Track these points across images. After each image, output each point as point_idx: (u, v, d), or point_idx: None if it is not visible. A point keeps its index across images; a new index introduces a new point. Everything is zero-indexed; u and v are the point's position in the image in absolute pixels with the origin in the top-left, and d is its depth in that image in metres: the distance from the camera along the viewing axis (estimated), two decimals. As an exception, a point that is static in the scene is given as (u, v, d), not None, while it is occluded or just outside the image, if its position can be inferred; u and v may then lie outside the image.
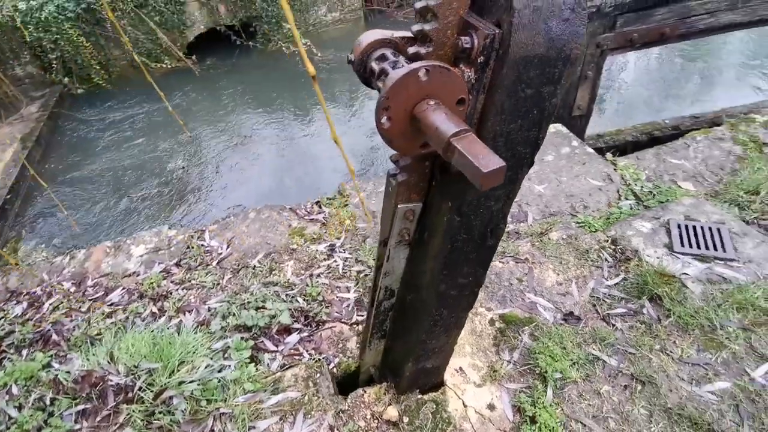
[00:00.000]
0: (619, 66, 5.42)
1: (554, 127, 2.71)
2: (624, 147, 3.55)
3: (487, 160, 0.62)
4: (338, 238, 2.21)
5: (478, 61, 0.74)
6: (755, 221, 1.88)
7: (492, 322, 1.68)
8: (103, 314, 1.90)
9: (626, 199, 2.18)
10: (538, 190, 2.30)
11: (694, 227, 1.81)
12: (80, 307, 1.97)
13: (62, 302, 2.00)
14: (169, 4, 5.64)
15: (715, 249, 1.70)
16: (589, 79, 3.00)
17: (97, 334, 1.80)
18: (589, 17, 2.67)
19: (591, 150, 2.51)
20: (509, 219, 2.12)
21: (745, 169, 2.23)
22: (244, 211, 2.46)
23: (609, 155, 2.54)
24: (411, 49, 0.83)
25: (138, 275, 2.12)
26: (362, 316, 1.82)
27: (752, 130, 2.49)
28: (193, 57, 6.13)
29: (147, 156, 4.89)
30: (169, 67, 5.93)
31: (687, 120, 3.56)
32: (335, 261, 2.08)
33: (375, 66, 0.86)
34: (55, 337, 1.84)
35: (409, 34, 0.89)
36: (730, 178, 2.19)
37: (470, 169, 0.63)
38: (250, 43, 6.30)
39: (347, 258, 2.09)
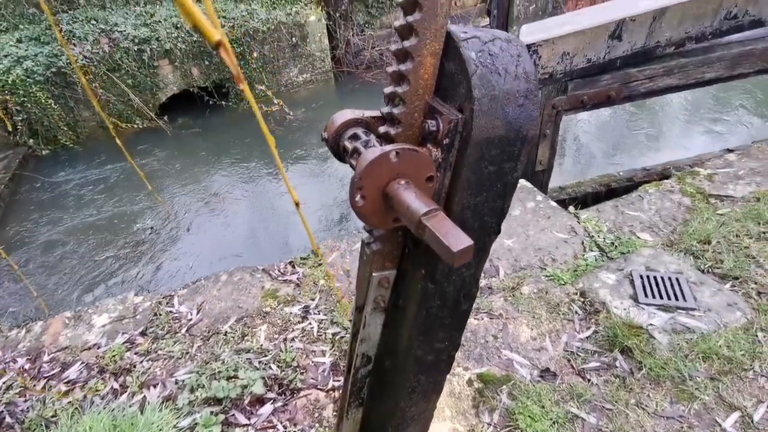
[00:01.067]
0: (578, 122, 5.80)
1: (519, 182, 2.84)
2: (585, 198, 3.74)
3: (456, 240, 0.65)
4: (312, 299, 2.19)
5: (444, 142, 0.80)
6: (710, 270, 1.99)
7: (470, 382, 1.67)
8: (59, 393, 1.77)
9: (591, 250, 2.27)
10: (507, 244, 2.37)
11: (655, 278, 1.90)
12: (35, 386, 1.83)
13: (16, 380, 1.85)
14: (143, 68, 5.76)
15: (677, 299, 1.78)
16: (548, 137, 3.21)
17: (53, 416, 1.67)
18: (544, 82, 2.90)
19: (554, 204, 2.64)
20: (482, 274, 2.16)
21: (695, 219, 2.39)
22: (215, 274, 2.41)
23: (571, 208, 2.67)
24: (381, 129, 0.89)
25: (99, 347, 2.01)
26: (338, 381, 1.77)
27: (698, 183, 2.69)
28: (165, 117, 6.20)
29: (114, 217, 4.77)
30: (141, 127, 5.95)
31: (639, 172, 3.81)
32: (310, 323, 2.04)
33: (348, 144, 0.91)
34: (8, 419, 1.69)
35: (377, 112, 0.96)
36: (682, 228, 2.34)
37: (441, 247, 0.66)
38: (222, 102, 6.44)
39: (322, 320, 2.06)
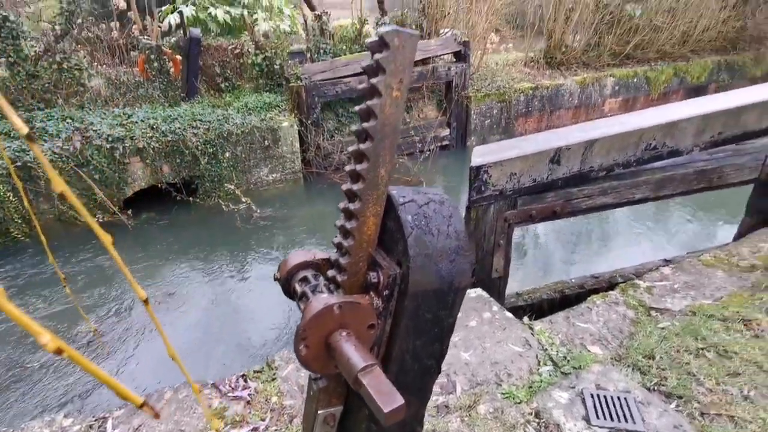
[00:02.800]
0: (536, 228, 6.17)
1: (476, 292, 2.94)
2: (540, 305, 3.87)
3: (388, 399, 0.69)
4: (263, 419, 2.06)
5: (384, 293, 0.88)
6: (656, 388, 2.05)
7: None
8: None
9: (545, 364, 2.31)
10: (464, 357, 2.38)
11: (605, 397, 1.93)
12: None
13: None
14: (112, 164, 5.85)
15: (626, 420, 1.81)
16: (501, 247, 3.40)
17: None
18: (495, 198, 3.15)
19: (509, 315, 2.72)
20: (439, 390, 2.14)
21: (639, 332, 2.50)
22: (159, 391, 2.25)
23: (526, 319, 2.75)
24: (330, 272, 0.96)
25: (12, 483, 1.77)
26: None
27: (639, 295, 2.86)
28: (129, 211, 6.16)
29: (54, 315, 4.47)
30: (102, 220, 5.86)
31: (589, 279, 4.02)
32: (257, 450, 1.90)
33: (298, 287, 0.97)
34: None
35: (327, 255, 1.04)
36: (628, 341, 2.44)
37: (374, 405, 0.70)
38: (190, 198, 6.51)
39: (270, 445, 1.93)
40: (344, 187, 0.90)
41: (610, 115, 10.25)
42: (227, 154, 6.68)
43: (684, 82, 10.67)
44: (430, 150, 7.91)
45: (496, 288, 3.59)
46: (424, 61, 8.19)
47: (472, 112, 8.71)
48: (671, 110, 3.33)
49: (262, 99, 7.27)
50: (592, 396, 1.94)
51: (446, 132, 8.77)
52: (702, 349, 2.27)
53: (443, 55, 8.40)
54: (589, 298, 2.91)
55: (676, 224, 6.31)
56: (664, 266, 4.00)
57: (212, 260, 5.63)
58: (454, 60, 8.56)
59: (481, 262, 3.42)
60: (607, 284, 3.95)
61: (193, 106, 6.80)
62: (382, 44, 0.76)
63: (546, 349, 2.41)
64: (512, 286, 3.94)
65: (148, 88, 7.24)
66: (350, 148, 0.88)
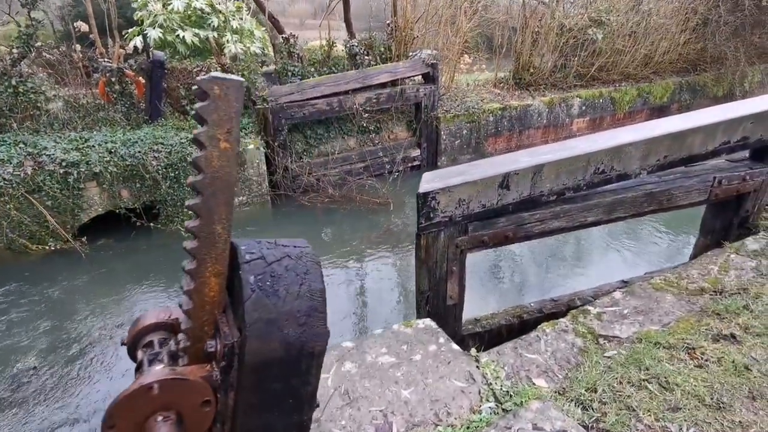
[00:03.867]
0: (496, 251, 6.14)
1: (423, 323, 2.85)
2: (498, 330, 3.80)
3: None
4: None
5: (222, 364, 0.78)
6: (594, 426, 1.98)
7: None
8: None
9: (487, 401, 2.22)
10: (404, 395, 2.28)
11: (541, 438, 1.85)
12: None
13: None
14: (66, 189, 5.65)
15: (559, 464, 1.73)
16: (455, 273, 3.33)
17: None
18: (445, 224, 3.10)
19: (456, 347, 2.63)
20: (372, 434, 2.02)
21: (586, 362, 2.44)
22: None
23: (474, 350, 2.67)
24: (180, 336, 0.86)
25: None
26: None
27: (589, 322, 2.81)
28: (84, 238, 5.94)
29: (-5, 352, 4.22)
30: (53, 249, 5.62)
31: (548, 303, 3.98)
32: None
33: (140, 354, 0.87)
34: None
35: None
36: (573, 373, 2.37)
37: None
38: (151, 224, 6.32)
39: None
40: (184, 244, 0.82)
41: (579, 135, 10.47)
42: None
43: (648, 102, 10.99)
44: (399, 171, 7.91)
45: (451, 315, 3.51)
46: (393, 83, 8.25)
47: (442, 132, 8.77)
48: (618, 135, 3.36)
49: (228, 121, 7.17)
50: (527, 437, 1.85)
51: (417, 152, 8.80)
52: (644, 380, 2.21)
53: (412, 76, 8.48)
54: (539, 326, 2.84)
55: (644, 241, 6.37)
56: (618, 289, 3.99)
57: (174, 288, 5.43)
58: (423, 81, 8.65)
59: (434, 290, 3.35)
60: (566, 307, 3.90)
61: (155, 129, 6.67)
62: (201, 93, 0.69)
63: (490, 384, 2.33)
64: (472, 311, 3.87)
65: (109, 111, 7.09)
66: (187, 202, 0.80)
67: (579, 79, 10.32)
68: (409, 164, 8.71)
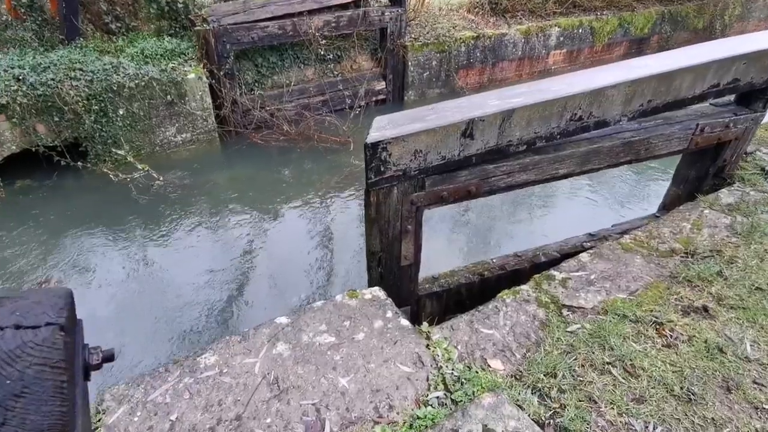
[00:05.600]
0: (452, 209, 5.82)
1: (371, 293, 2.52)
2: (458, 289, 3.56)
3: None
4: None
5: None
6: (551, 421, 1.76)
7: None
8: None
9: (435, 389, 1.96)
10: (342, 384, 1.98)
11: (491, 444, 1.61)
12: None
13: None
14: (-36, 125, 4.81)
15: (510, 479, 1.50)
16: (410, 232, 2.97)
17: None
18: (398, 179, 2.68)
19: (405, 323, 2.33)
20: (300, 438, 1.74)
21: (547, 339, 2.21)
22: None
23: (425, 325, 2.38)
24: None
25: None
26: None
27: (553, 289, 2.56)
28: (-2, 181, 5.20)
29: None
30: (-41, 193, 4.90)
31: (511, 259, 3.74)
32: None
33: None
34: None
35: None
36: (533, 354, 2.13)
37: None
38: (79, 163, 5.59)
39: None
40: None
41: (555, 68, 9.90)
42: (121, 112, 5.72)
43: (628, 34, 10.41)
44: (361, 106, 7.25)
45: (406, 276, 3.21)
46: (355, 4, 7.31)
47: (410, 63, 8.02)
48: (598, 75, 2.92)
49: (163, 45, 6.22)
50: (475, 443, 1.61)
51: (382, 85, 8.08)
52: (608, 363, 1.99)
53: (377, -3, 7.53)
54: (498, 295, 2.57)
55: (609, 185, 6.18)
56: (586, 250, 3.77)
57: (96, 236, 4.90)
58: (389, 3, 7.71)
59: (387, 251, 3.00)
60: (529, 264, 3.69)
61: (72, 52, 5.68)
62: None
63: (440, 368, 2.06)
64: (430, 270, 3.60)
65: (17, 29, 5.97)
66: None
67: (559, 5, 9.53)
68: (373, 98, 8.02)
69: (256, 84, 7.06)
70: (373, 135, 2.52)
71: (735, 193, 3.50)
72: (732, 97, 3.55)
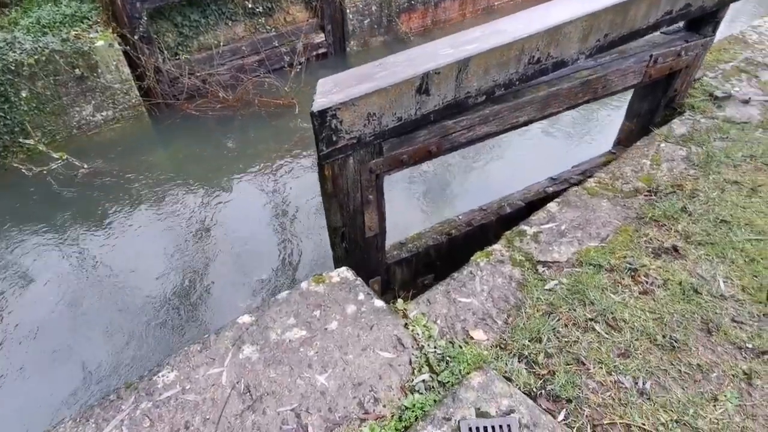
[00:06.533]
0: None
1: (339, 275, 2.34)
2: (427, 252, 3.44)
3: None
4: None
5: None
6: (542, 392, 1.70)
7: None
8: None
9: (420, 372, 1.86)
10: (320, 383, 1.84)
11: (486, 428, 1.53)
12: None
13: None
14: None
15: (511, 464, 1.44)
16: (371, 202, 2.78)
17: None
18: (353, 147, 2.43)
19: (380, 303, 2.19)
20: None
21: (526, 300, 2.14)
22: None
23: (400, 302, 2.25)
24: None
25: None
26: None
27: (525, 246, 2.48)
28: None
29: None
30: None
31: (477, 214, 3.65)
32: None
33: None
34: None
35: None
36: (514, 317, 2.06)
37: None
38: (-17, 160, 4.88)
39: None
40: None
41: (498, 4, 9.56)
42: (24, 94, 4.96)
43: (566, -38, 10.10)
44: (301, 62, 6.72)
45: (372, 247, 3.05)
46: (280, -54, 6.56)
47: (348, 10, 7.44)
48: (552, 11, 2.71)
49: (60, 10, 5.35)
50: (470, 430, 1.53)
51: (321, 37, 7.50)
52: (590, 320, 1.96)
53: (302, -64, 6.78)
54: (472, 258, 2.47)
55: (562, 123, 6.16)
56: (548, 188, 3.73)
57: (39, 236, 4.37)
58: (318, -57, 6.99)
59: (349, 224, 2.80)
60: (495, 216, 3.61)
61: (-53, 28, 4.77)
62: None
63: (422, 347, 1.95)
64: (395, 237, 3.45)
65: None
66: None
67: (496, -65, 9.05)
68: (314, 52, 7.46)
69: (180, 47, 6.32)
70: (319, 101, 2.23)
71: (687, 122, 3.51)
72: (681, 24, 3.48)
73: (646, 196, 2.75)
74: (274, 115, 6.22)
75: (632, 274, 2.15)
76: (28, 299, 3.98)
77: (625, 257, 2.26)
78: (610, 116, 6.04)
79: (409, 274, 3.47)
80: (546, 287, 2.20)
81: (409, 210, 4.92)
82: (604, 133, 5.85)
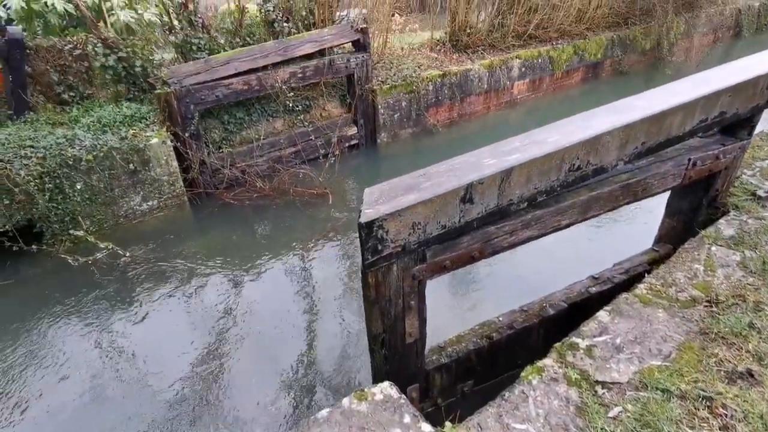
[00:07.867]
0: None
1: (382, 392, 2.21)
2: (468, 357, 3.28)
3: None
4: None
5: None
6: None
7: None
8: None
9: None
10: None
11: None
12: None
13: None
14: None
15: None
16: (413, 308, 2.71)
17: None
18: (398, 255, 2.43)
19: (427, 428, 2.02)
20: None
21: (589, 430, 1.94)
22: None
23: (448, 425, 2.08)
24: None
25: None
26: None
27: (579, 361, 2.32)
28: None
29: None
30: None
31: (518, 315, 3.50)
32: None
33: None
34: None
35: None
36: (579, 453, 1.86)
37: None
38: (33, 247, 5.10)
39: None
40: None
41: (520, 98, 10.08)
42: (78, 186, 5.31)
43: (583, 60, 10.78)
44: (335, 154, 7.06)
45: (412, 353, 2.92)
46: (320, 53, 7.24)
47: (380, 106, 7.96)
48: (592, 121, 2.80)
49: (121, 111, 5.90)
50: None
51: (353, 130, 7.96)
52: (669, 461, 1.74)
53: (340, 44, 7.49)
54: (522, 375, 2.31)
55: (600, 221, 6.09)
56: (590, 288, 3.58)
57: (87, 325, 4.40)
58: (354, 49, 7.69)
59: (390, 331, 2.71)
60: (537, 318, 3.46)
61: (21, 129, 5.29)
62: None
63: (477, 487, 1.75)
64: (434, 341, 3.31)
65: (-41, 107, 5.55)
66: None
67: (517, 39, 9.80)
68: (346, 144, 7.87)
69: (224, 142, 6.79)
70: (367, 212, 2.27)
71: (733, 223, 3.41)
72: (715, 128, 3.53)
73: (705, 306, 2.59)
74: (307, 205, 6.41)
75: (708, 404, 1.95)
76: (52, 385, 3.91)
77: (696, 382, 2.07)
78: (640, 209, 5.95)
79: (449, 380, 3.27)
80: (609, 415, 2.00)
81: (441, 307, 4.78)
82: (635, 223, 5.75)
